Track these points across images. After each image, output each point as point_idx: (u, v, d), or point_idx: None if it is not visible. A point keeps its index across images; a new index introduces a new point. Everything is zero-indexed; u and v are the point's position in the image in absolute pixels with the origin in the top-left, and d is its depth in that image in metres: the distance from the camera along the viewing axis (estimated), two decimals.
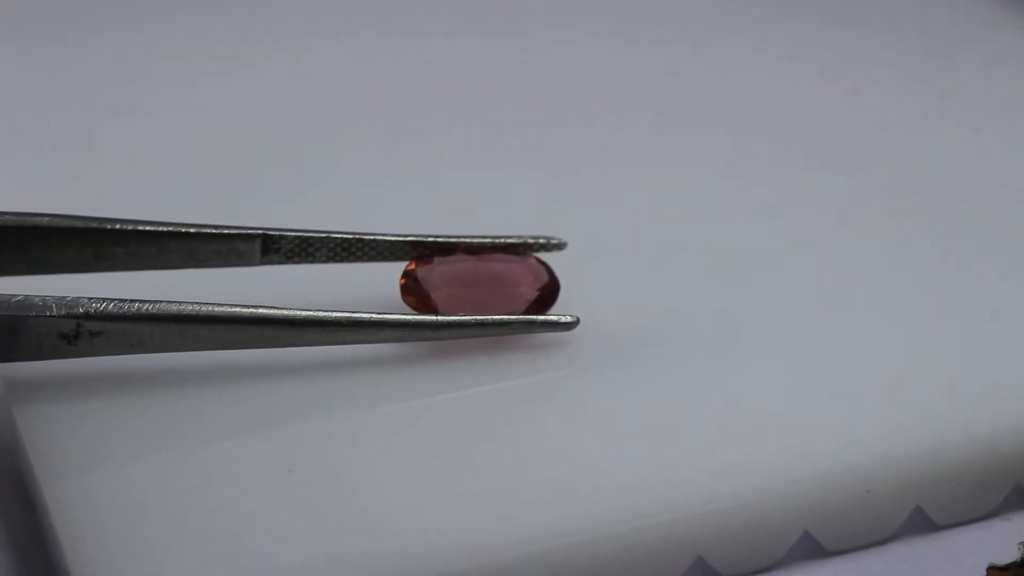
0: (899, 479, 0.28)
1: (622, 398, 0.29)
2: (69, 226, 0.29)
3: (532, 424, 0.29)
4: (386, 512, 0.26)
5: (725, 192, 0.36)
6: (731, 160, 0.37)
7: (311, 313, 0.29)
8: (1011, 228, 0.35)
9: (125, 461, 0.27)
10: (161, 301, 0.28)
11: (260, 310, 0.28)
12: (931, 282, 0.33)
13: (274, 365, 0.29)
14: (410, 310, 0.30)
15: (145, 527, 0.26)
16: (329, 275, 0.31)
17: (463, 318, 0.30)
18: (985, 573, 0.27)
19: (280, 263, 0.30)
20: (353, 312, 0.29)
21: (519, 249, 0.31)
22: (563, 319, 0.30)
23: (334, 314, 0.29)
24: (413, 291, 0.30)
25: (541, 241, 0.31)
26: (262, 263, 0.30)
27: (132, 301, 0.28)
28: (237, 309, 0.28)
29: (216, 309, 0.28)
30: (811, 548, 0.28)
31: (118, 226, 0.29)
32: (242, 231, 0.30)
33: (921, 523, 0.29)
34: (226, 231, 0.30)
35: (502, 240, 0.31)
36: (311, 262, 0.30)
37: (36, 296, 0.28)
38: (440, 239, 0.31)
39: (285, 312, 0.28)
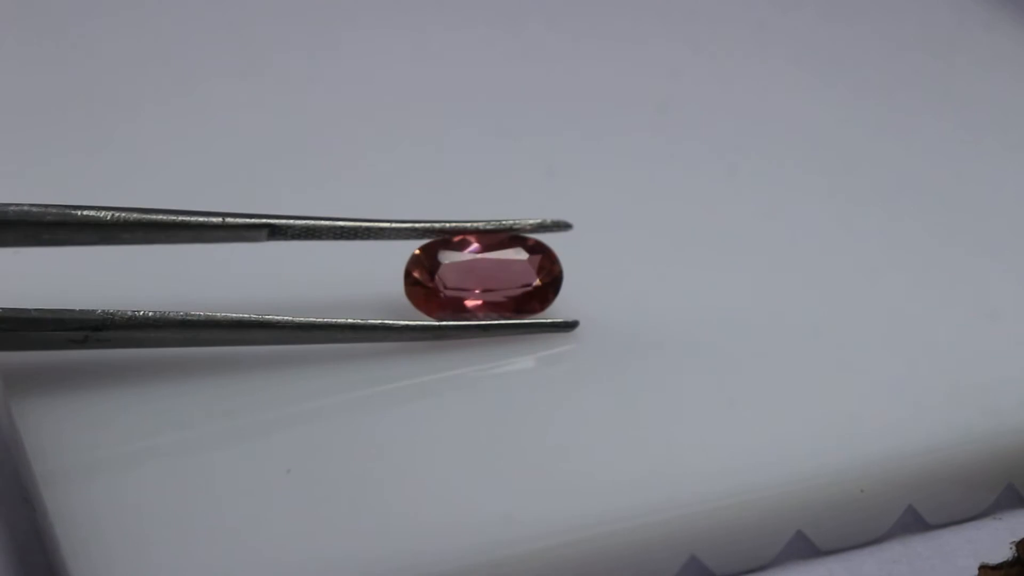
0: (892, 479, 0.28)
1: (617, 398, 0.29)
2: (75, 220, 0.29)
3: (528, 424, 0.29)
4: (385, 512, 0.27)
5: (725, 192, 0.36)
6: (732, 161, 0.37)
7: (316, 319, 0.29)
8: (1010, 229, 0.35)
9: (122, 460, 0.27)
10: (168, 312, 0.28)
11: (267, 317, 0.29)
12: (927, 283, 0.33)
13: (273, 364, 0.29)
14: (411, 303, 0.30)
15: (143, 527, 0.26)
16: (332, 267, 0.31)
17: (465, 324, 0.30)
18: (977, 572, 0.27)
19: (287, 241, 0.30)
20: (357, 320, 0.29)
21: (523, 231, 0.31)
22: (563, 321, 0.30)
23: (338, 320, 0.29)
24: (417, 279, 0.30)
25: (547, 223, 0.31)
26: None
27: (141, 311, 0.28)
28: (243, 316, 0.29)
29: (221, 315, 0.29)
30: (804, 547, 0.28)
31: (123, 215, 0.29)
32: (249, 220, 0.30)
33: (914, 522, 0.29)
34: (232, 221, 0.30)
35: (506, 224, 0.31)
36: (318, 239, 0.30)
37: (49, 310, 0.28)
38: (445, 224, 0.31)
39: (291, 319, 0.29)
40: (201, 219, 0.29)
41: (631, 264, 0.33)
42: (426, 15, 0.44)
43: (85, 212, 0.28)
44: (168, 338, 0.28)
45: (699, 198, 0.36)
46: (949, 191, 0.37)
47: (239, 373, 0.29)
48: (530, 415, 0.29)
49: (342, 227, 0.30)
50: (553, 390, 0.30)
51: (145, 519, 0.26)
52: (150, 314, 0.28)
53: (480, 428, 0.29)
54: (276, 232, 0.30)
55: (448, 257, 0.30)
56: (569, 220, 0.31)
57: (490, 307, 0.31)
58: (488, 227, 0.31)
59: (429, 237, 0.31)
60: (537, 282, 0.31)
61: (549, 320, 0.31)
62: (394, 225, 0.30)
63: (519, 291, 0.31)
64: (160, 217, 0.29)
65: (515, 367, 0.30)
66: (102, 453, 0.27)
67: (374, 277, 0.31)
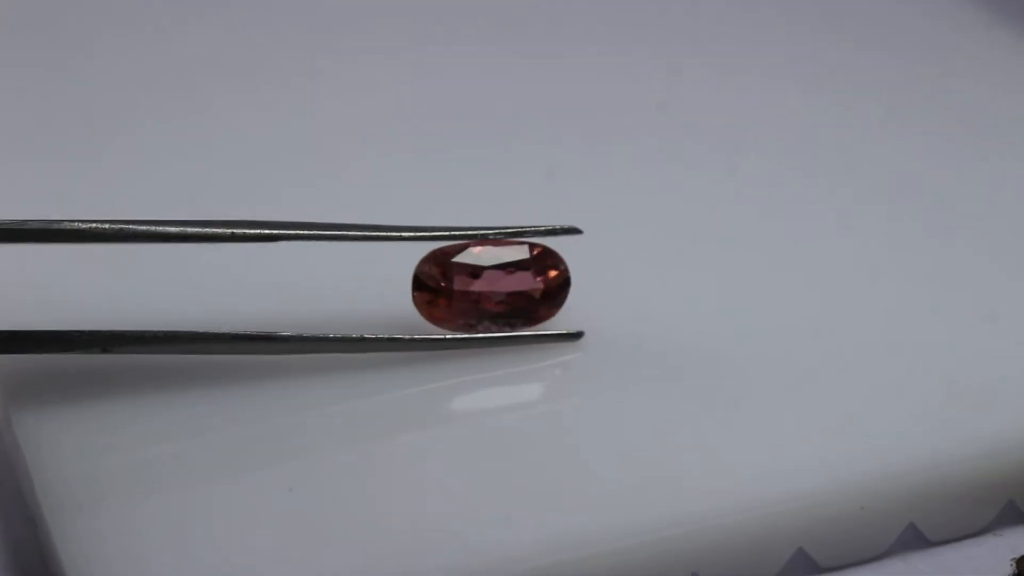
0: (892, 496, 0.28)
1: (619, 412, 0.29)
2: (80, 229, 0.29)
3: (529, 438, 0.29)
4: (388, 529, 0.27)
5: (725, 192, 0.36)
6: (732, 161, 0.37)
7: (323, 334, 0.29)
8: (1009, 229, 0.35)
9: (125, 475, 0.27)
10: (177, 329, 0.29)
11: (278, 332, 0.29)
12: (927, 290, 0.33)
13: (274, 376, 0.29)
14: (418, 310, 0.30)
15: (144, 543, 0.26)
16: (339, 274, 0.31)
17: (471, 336, 0.30)
18: None
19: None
20: (365, 334, 0.29)
21: (532, 236, 0.31)
22: (568, 332, 0.30)
23: (346, 334, 0.29)
24: (425, 286, 0.30)
25: (557, 228, 0.31)
26: None
27: (150, 331, 0.28)
28: (253, 331, 0.29)
29: (231, 331, 0.29)
30: (805, 564, 0.28)
31: (120, 227, 0.29)
32: (257, 231, 0.29)
33: (914, 539, 0.29)
34: (240, 232, 0.29)
35: (515, 229, 0.31)
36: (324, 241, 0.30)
37: (58, 331, 0.28)
38: (454, 231, 0.30)
39: (300, 335, 0.29)
40: (207, 229, 0.29)
41: (631, 265, 0.33)
42: (426, 17, 0.43)
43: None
44: (176, 350, 0.29)
45: (699, 198, 0.36)
46: (949, 192, 0.37)
47: (240, 386, 0.29)
48: (527, 430, 0.29)
49: (348, 234, 0.30)
50: (552, 402, 0.30)
51: (145, 535, 0.26)
52: (159, 332, 0.28)
53: (481, 441, 0.29)
54: (287, 236, 0.30)
55: (456, 264, 0.30)
56: (569, 221, 0.31)
57: (498, 313, 0.31)
58: (497, 233, 0.31)
59: (437, 243, 0.31)
60: (544, 287, 0.31)
61: (554, 332, 0.31)
62: (403, 232, 0.30)
63: (527, 296, 0.31)
64: (170, 229, 0.29)
65: (517, 376, 0.30)
66: (104, 468, 0.27)
67: (381, 284, 0.31)
